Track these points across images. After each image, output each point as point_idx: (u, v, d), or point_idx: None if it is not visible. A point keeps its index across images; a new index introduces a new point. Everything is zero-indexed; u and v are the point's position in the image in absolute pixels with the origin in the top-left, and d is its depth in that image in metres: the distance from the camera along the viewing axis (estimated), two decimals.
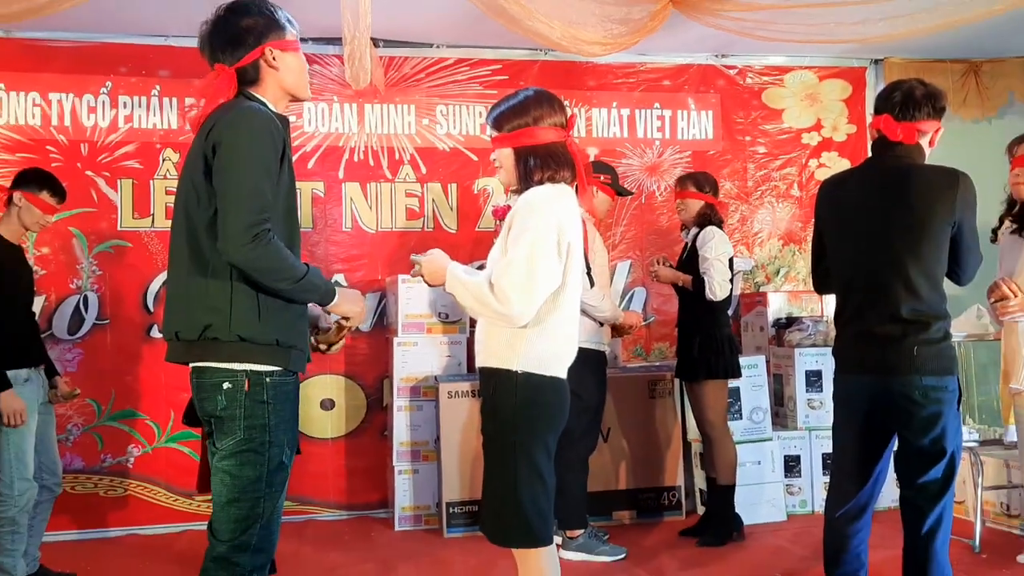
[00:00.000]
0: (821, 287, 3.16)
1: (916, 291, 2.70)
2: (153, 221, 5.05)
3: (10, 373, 3.62)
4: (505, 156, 2.53)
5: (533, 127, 2.49)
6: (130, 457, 4.97)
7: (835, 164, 5.86)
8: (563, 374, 2.51)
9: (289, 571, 4.05)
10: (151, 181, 5.06)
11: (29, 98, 4.97)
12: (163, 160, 5.08)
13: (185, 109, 5.04)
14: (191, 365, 2.24)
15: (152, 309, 5.00)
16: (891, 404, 2.75)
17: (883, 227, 2.77)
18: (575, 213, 2.50)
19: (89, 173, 4.97)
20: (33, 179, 3.81)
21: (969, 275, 2.82)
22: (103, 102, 5.05)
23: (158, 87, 5.11)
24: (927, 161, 2.84)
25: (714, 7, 4.49)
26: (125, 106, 5.08)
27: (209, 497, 2.27)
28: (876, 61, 5.96)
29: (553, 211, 2.41)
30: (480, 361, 2.54)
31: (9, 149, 4.90)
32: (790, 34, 4.74)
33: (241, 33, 2.28)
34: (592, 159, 5.00)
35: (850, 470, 2.92)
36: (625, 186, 5.55)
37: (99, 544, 4.70)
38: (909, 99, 2.78)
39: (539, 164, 2.47)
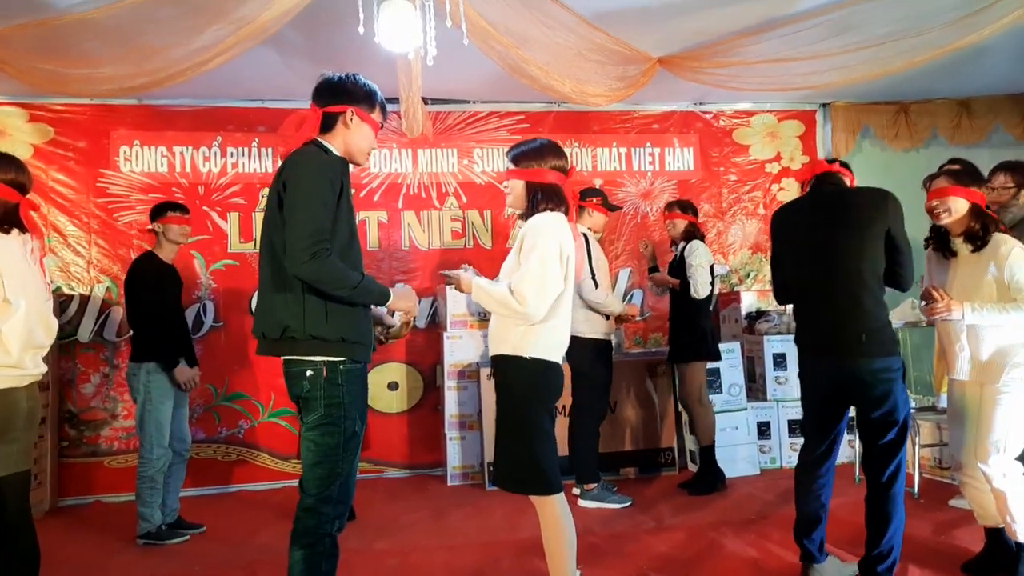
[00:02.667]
0: (780, 299, 3.05)
1: (859, 289, 2.65)
2: (255, 245, 5.08)
3: (150, 363, 3.69)
4: (518, 186, 2.57)
5: (543, 168, 2.54)
6: (240, 430, 5.00)
7: (792, 188, 5.77)
8: (560, 359, 2.53)
9: (365, 517, 4.07)
10: (253, 213, 5.10)
11: (158, 151, 5.03)
12: (261, 197, 5.11)
13: (278, 152, 5.10)
14: (282, 358, 2.23)
15: (255, 314, 5.03)
16: (844, 382, 2.69)
17: (828, 240, 2.73)
18: (571, 235, 2.52)
19: (205, 208, 5.02)
20: (161, 207, 3.91)
21: (908, 277, 2.71)
22: (215, 152, 5.10)
23: (257, 140, 5.16)
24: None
25: (693, 65, 4.45)
26: (232, 155, 5.13)
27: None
28: (824, 105, 5.85)
29: (555, 232, 2.45)
30: (495, 350, 2.53)
31: (143, 191, 4.97)
32: (755, 85, 4.68)
33: (339, 89, 2.29)
34: (587, 187, 4.93)
35: (811, 430, 2.87)
36: (623, 209, 5.55)
37: (218, 498, 4.74)
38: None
39: (544, 197, 2.53)
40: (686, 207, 4.55)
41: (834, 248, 2.71)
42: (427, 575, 3.20)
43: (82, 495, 4.71)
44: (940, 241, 2.95)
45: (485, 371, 4.77)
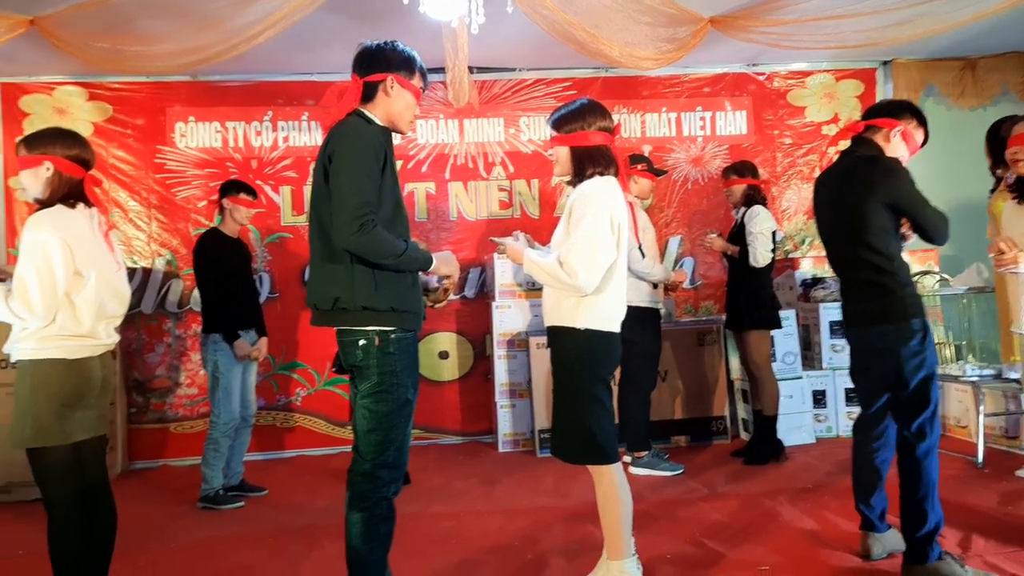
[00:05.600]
0: None
1: (858, 262, 2.59)
2: (307, 217, 5.17)
3: (216, 333, 3.84)
4: (562, 153, 2.50)
5: (587, 131, 2.45)
6: (298, 397, 5.15)
7: None
8: (616, 328, 2.48)
9: (419, 482, 4.16)
10: (304, 186, 5.18)
11: (212, 126, 5.14)
12: (312, 170, 5.17)
13: (324, 125, 5.17)
14: (335, 328, 2.26)
15: (308, 285, 5.13)
16: (860, 349, 2.71)
17: (833, 213, 2.71)
18: (622, 200, 2.45)
19: (259, 182, 5.09)
20: (232, 186, 4.02)
21: (935, 232, 2.59)
22: (266, 127, 5.19)
23: (306, 114, 5.22)
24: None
25: (746, 24, 4.31)
26: (283, 129, 5.20)
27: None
28: (885, 62, 5.60)
29: (605, 199, 2.39)
30: (549, 321, 2.52)
31: (198, 166, 5.09)
32: (810, 43, 4.52)
33: (378, 57, 2.28)
34: (632, 153, 4.84)
35: (858, 395, 2.86)
36: (673, 176, 5.46)
37: (276, 463, 4.90)
38: (871, 108, 2.81)
39: (590, 161, 2.45)
40: (742, 170, 4.42)
41: (835, 221, 2.70)
42: (482, 538, 3.26)
43: (151, 459, 4.93)
44: (1020, 189, 2.87)
45: (534, 340, 4.79)
